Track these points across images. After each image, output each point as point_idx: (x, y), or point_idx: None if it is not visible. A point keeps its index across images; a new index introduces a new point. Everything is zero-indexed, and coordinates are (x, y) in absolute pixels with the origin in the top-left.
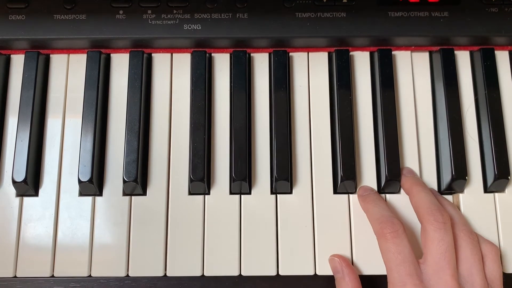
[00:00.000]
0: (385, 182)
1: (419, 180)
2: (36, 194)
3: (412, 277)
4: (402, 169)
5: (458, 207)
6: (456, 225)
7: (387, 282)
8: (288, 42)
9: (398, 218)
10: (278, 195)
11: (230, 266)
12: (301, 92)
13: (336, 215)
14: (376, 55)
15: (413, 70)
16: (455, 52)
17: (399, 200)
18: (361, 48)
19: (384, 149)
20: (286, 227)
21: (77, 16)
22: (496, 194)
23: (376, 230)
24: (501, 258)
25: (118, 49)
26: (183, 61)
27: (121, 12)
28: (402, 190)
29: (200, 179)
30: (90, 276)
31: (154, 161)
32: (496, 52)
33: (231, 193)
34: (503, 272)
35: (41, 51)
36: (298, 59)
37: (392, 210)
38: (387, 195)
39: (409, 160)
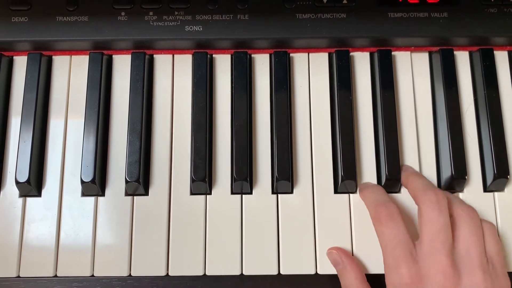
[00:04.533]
0: (385, 181)
1: (414, 171)
2: (39, 194)
3: (406, 259)
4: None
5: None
6: (454, 204)
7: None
8: (289, 43)
9: (393, 202)
10: (279, 195)
11: (231, 266)
12: (302, 92)
13: (336, 214)
14: (376, 55)
15: (413, 70)
16: (455, 52)
17: (400, 199)
18: (361, 48)
19: (384, 149)
20: (287, 227)
21: (79, 18)
22: (496, 193)
23: (372, 215)
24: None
25: (120, 51)
26: (185, 62)
27: (123, 13)
28: (402, 189)
29: (202, 179)
30: (92, 276)
31: (156, 162)
32: (495, 52)
33: (232, 193)
34: None
35: (43, 52)
36: (299, 59)
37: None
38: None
39: (409, 159)
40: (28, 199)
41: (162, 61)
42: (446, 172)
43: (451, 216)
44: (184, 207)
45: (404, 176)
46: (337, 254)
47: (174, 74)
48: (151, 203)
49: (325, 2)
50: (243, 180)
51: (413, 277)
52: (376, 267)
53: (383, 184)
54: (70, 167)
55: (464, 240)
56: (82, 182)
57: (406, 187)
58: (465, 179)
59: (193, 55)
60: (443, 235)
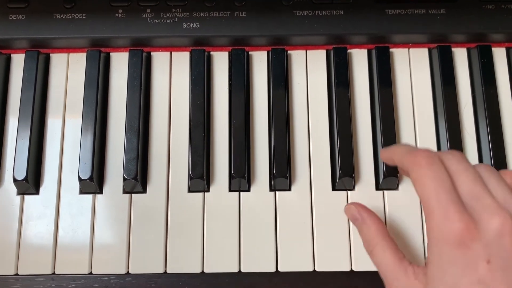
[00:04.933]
0: (383, 178)
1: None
2: (37, 192)
3: (454, 204)
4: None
5: None
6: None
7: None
8: (286, 40)
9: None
10: (277, 192)
11: (229, 263)
12: (300, 89)
13: (334, 211)
14: (373, 52)
15: (411, 67)
16: (453, 49)
17: (398, 197)
18: (359, 45)
19: (382, 146)
20: (285, 224)
21: (76, 15)
22: None
23: (407, 162)
24: None
25: (118, 48)
26: (182, 60)
27: (120, 11)
28: (400, 187)
29: (200, 176)
30: (90, 273)
31: (153, 159)
32: (493, 49)
33: (230, 190)
34: None
35: (41, 50)
36: (296, 57)
37: (390, 206)
38: (385, 192)
39: None
40: (26, 197)
41: (159, 59)
42: None
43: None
44: (182, 204)
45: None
46: (355, 209)
47: (171, 72)
48: (149, 201)
49: None
50: (241, 177)
51: (467, 223)
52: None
53: (380, 181)
54: (68, 164)
55: (495, 188)
56: (80, 179)
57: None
58: None
59: (190, 52)
60: (480, 182)
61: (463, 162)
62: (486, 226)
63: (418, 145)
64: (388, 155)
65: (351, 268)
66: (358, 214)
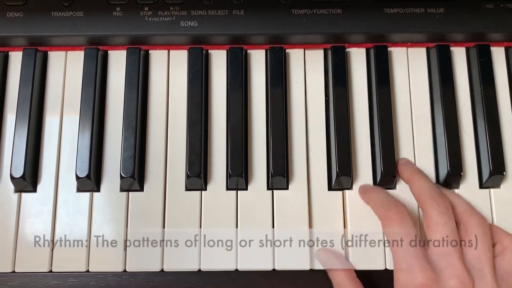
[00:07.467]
0: (381, 178)
1: (418, 169)
2: (34, 190)
3: (419, 259)
4: (399, 160)
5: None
6: (465, 211)
7: (383, 278)
8: (285, 38)
9: (401, 202)
10: (274, 191)
11: (226, 261)
12: (298, 88)
13: (332, 210)
14: (372, 51)
15: (409, 66)
16: (451, 48)
17: (396, 196)
18: (357, 44)
19: (379, 145)
20: (282, 223)
21: (74, 13)
22: (492, 189)
23: (380, 214)
24: None
25: (116, 46)
26: (180, 58)
27: (118, 9)
28: (397, 186)
29: (197, 175)
30: (88, 271)
31: (151, 157)
32: (492, 48)
33: (227, 189)
34: None
35: (39, 48)
36: (295, 55)
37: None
38: None
39: (405, 156)
40: (23, 195)
41: (157, 57)
42: (442, 168)
43: (459, 222)
44: (179, 202)
45: (406, 172)
46: (324, 255)
47: (169, 70)
48: (146, 199)
49: None
50: (238, 176)
51: (428, 279)
52: (370, 263)
53: (378, 180)
54: (66, 162)
55: (475, 249)
56: (77, 177)
57: (407, 183)
58: (460, 175)
59: (188, 50)
60: (453, 238)
61: (444, 215)
62: (446, 284)
63: (417, 145)
64: (365, 198)
65: None
66: (327, 260)
